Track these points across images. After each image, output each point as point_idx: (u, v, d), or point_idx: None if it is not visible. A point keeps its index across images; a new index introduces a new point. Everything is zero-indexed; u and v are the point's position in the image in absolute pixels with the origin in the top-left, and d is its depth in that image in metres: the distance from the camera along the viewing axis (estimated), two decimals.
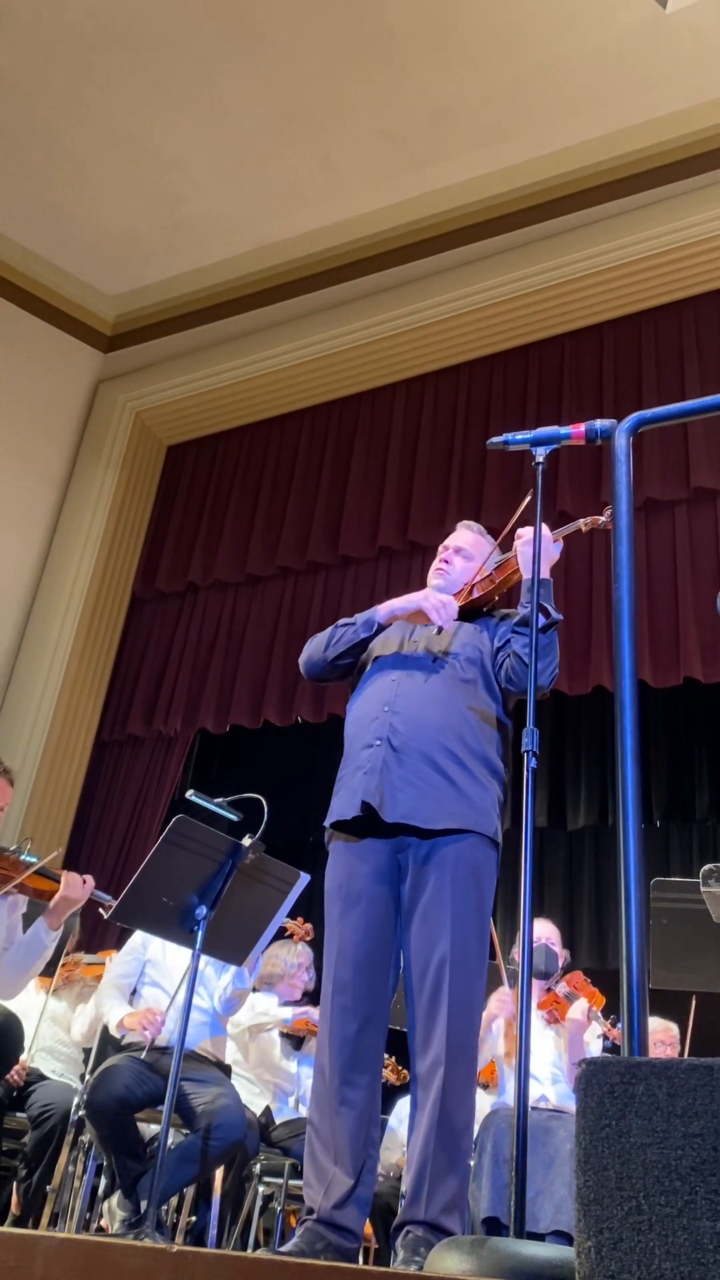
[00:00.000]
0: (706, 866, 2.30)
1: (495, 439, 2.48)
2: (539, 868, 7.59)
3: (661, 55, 5.78)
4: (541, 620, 2.52)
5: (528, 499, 2.70)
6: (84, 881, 3.33)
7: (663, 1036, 4.50)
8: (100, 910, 3.45)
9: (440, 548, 2.98)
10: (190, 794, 3.57)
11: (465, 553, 2.91)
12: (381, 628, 2.74)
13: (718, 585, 5.49)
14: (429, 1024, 2.29)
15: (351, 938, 2.40)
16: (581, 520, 2.81)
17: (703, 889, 2.29)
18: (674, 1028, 4.56)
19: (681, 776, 7.13)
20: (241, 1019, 4.32)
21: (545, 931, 4.17)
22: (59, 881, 3.29)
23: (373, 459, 6.83)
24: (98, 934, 5.56)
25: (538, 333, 6.55)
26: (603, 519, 2.73)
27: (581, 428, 2.30)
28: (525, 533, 2.65)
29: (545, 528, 2.65)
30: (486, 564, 2.85)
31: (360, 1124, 2.28)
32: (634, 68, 5.87)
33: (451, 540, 2.97)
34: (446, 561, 2.90)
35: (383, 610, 2.74)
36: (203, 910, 3.01)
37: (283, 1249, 2.28)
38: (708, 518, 5.68)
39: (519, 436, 2.43)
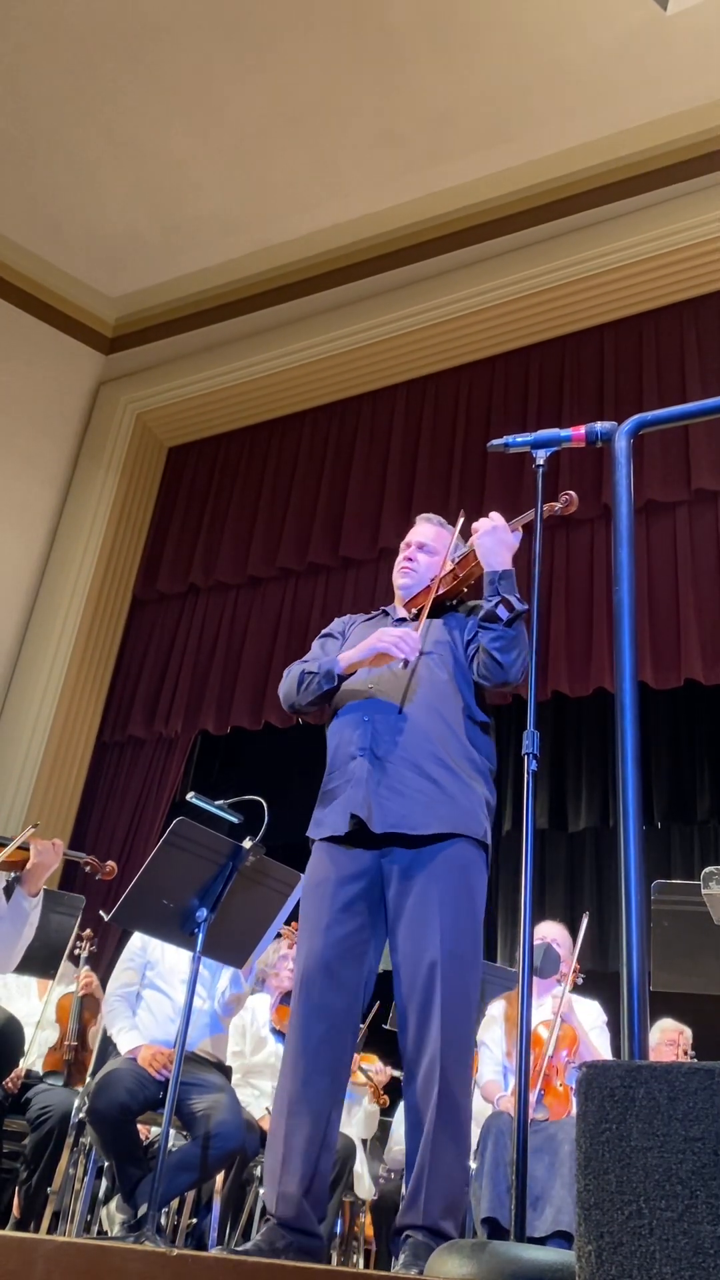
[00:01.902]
0: (708, 869, 2.30)
1: (496, 441, 2.48)
2: (540, 869, 7.59)
3: (663, 57, 5.78)
4: (505, 613, 2.52)
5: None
6: (54, 845, 3.34)
7: (673, 1036, 4.49)
8: (101, 913, 3.45)
9: (402, 545, 2.94)
10: (191, 796, 3.57)
11: (428, 548, 2.88)
12: (342, 678, 2.68)
13: (718, 587, 5.49)
14: (422, 1028, 2.27)
15: (325, 939, 2.38)
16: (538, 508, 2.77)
17: (704, 891, 2.29)
18: (687, 1031, 4.55)
19: (682, 778, 7.13)
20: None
21: (554, 933, 4.15)
22: (28, 850, 3.30)
23: (373, 461, 6.83)
24: (103, 938, 5.55)
25: (538, 334, 6.55)
26: (559, 505, 2.69)
27: (582, 430, 2.30)
28: (481, 524, 2.64)
29: (499, 516, 2.65)
30: (448, 559, 2.82)
31: (316, 1126, 2.27)
32: (635, 69, 5.87)
33: (413, 536, 2.93)
34: (410, 559, 2.86)
35: (342, 661, 2.67)
36: (203, 913, 3.01)
37: (241, 1248, 2.28)
38: (708, 519, 5.68)
39: (519, 439, 2.43)
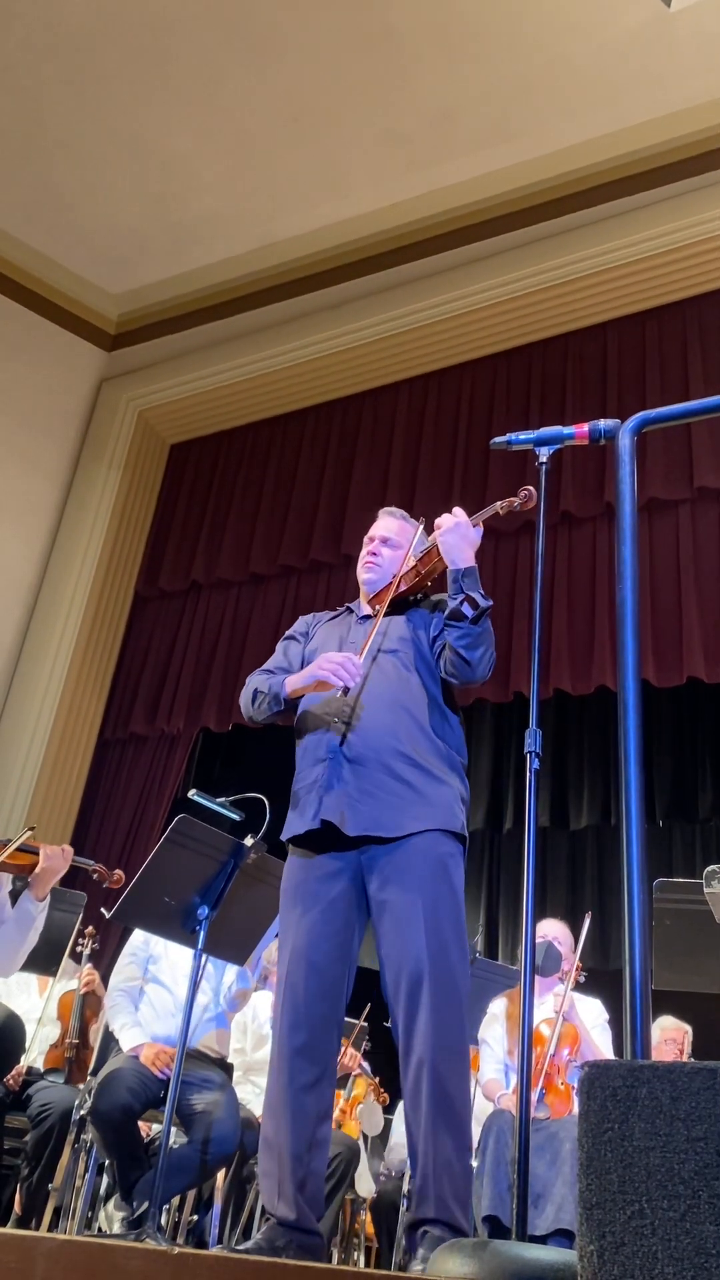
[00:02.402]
0: (710, 867, 2.29)
1: (498, 439, 2.47)
2: (542, 867, 7.58)
3: (666, 54, 5.77)
4: (470, 610, 2.50)
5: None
6: (63, 850, 3.35)
7: (674, 1035, 4.48)
8: (103, 911, 3.46)
9: (365, 539, 2.92)
10: (192, 793, 3.57)
11: (392, 542, 2.85)
12: (289, 702, 2.66)
13: None
14: (411, 1022, 2.27)
15: (307, 939, 2.38)
16: (498, 503, 2.71)
17: (706, 890, 2.29)
18: (687, 1028, 4.55)
19: (684, 776, 7.13)
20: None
21: (555, 931, 4.15)
22: (37, 854, 3.31)
23: (376, 458, 6.83)
24: (104, 935, 5.55)
25: (541, 332, 6.54)
26: (517, 501, 2.67)
27: (585, 428, 2.30)
28: (444, 520, 2.61)
29: (461, 512, 2.63)
30: (410, 554, 2.80)
31: (305, 1125, 2.27)
32: (638, 67, 5.86)
33: (375, 530, 2.91)
34: (374, 554, 2.84)
35: (287, 686, 2.65)
36: (204, 910, 3.01)
37: (241, 1247, 2.28)
38: (711, 518, 5.67)
39: (522, 436, 2.42)
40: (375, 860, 2.41)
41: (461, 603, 2.51)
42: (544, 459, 2.40)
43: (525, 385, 6.51)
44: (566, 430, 2.34)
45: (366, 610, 2.81)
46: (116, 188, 6.99)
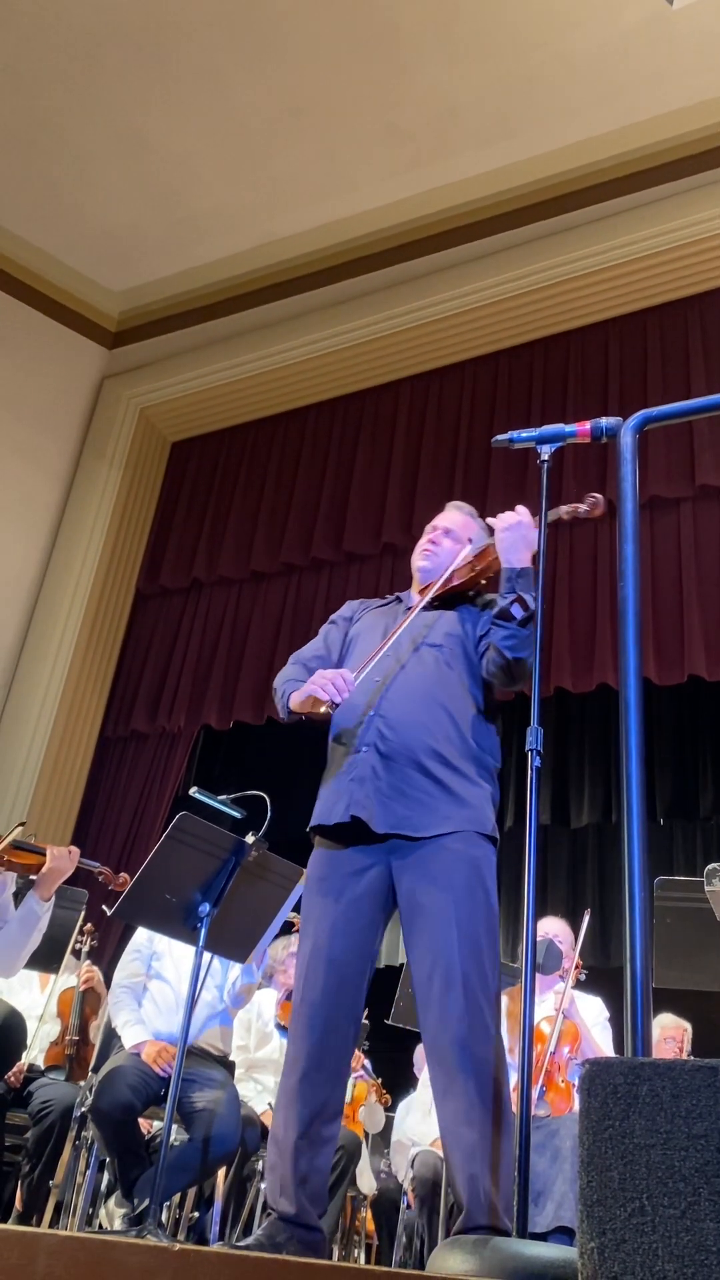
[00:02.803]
0: (710, 865, 2.30)
1: (500, 436, 2.46)
2: (542, 865, 7.59)
3: (667, 52, 5.77)
4: (520, 612, 2.46)
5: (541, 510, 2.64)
6: (70, 851, 3.35)
7: (673, 1033, 4.48)
8: (104, 908, 3.46)
9: (428, 528, 2.88)
10: (194, 791, 3.59)
11: (454, 534, 2.82)
12: (294, 713, 2.61)
13: None
14: (443, 1022, 2.24)
15: (330, 934, 2.36)
16: (563, 508, 2.67)
17: (707, 888, 2.29)
18: (687, 1026, 4.55)
19: (686, 775, 7.13)
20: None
21: (555, 929, 4.15)
22: (44, 854, 3.31)
23: (377, 456, 6.83)
24: (104, 932, 5.56)
25: (543, 330, 6.54)
26: (584, 507, 2.62)
27: (587, 425, 2.29)
28: (504, 518, 2.57)
29: (525, 511, 2.58)
30: (468, 550, 2.75)
31: (314, 1122, 2.26)
32: (640, 64, 5.85)
33: (440, 520, 2.87)
34: (434, 543, 2.81)
35: (290, 705, 2.60)
36: (206, 907, 3.01)
37: (242, 1243, 2.27)
38: (713, 515, 5.67)
39: (524, 434, 2.42)
40: (406, 859, 2.38)
41: (512, 603, 2.46)
42: (545, 457, 2.39)
43: (527, 383, 6.50)
44: (568, 428, 2.34)
45: (416, 598, 2.76)
46: (118, 185, 6.99)
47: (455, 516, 2.88)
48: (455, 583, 2.68)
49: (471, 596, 2.73)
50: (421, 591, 2.75)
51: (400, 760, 2.43)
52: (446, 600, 2.68)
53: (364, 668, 2.55)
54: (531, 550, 2.53)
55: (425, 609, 2.66)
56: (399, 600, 2.83)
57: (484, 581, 2.70)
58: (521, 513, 2.58)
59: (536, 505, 2.44)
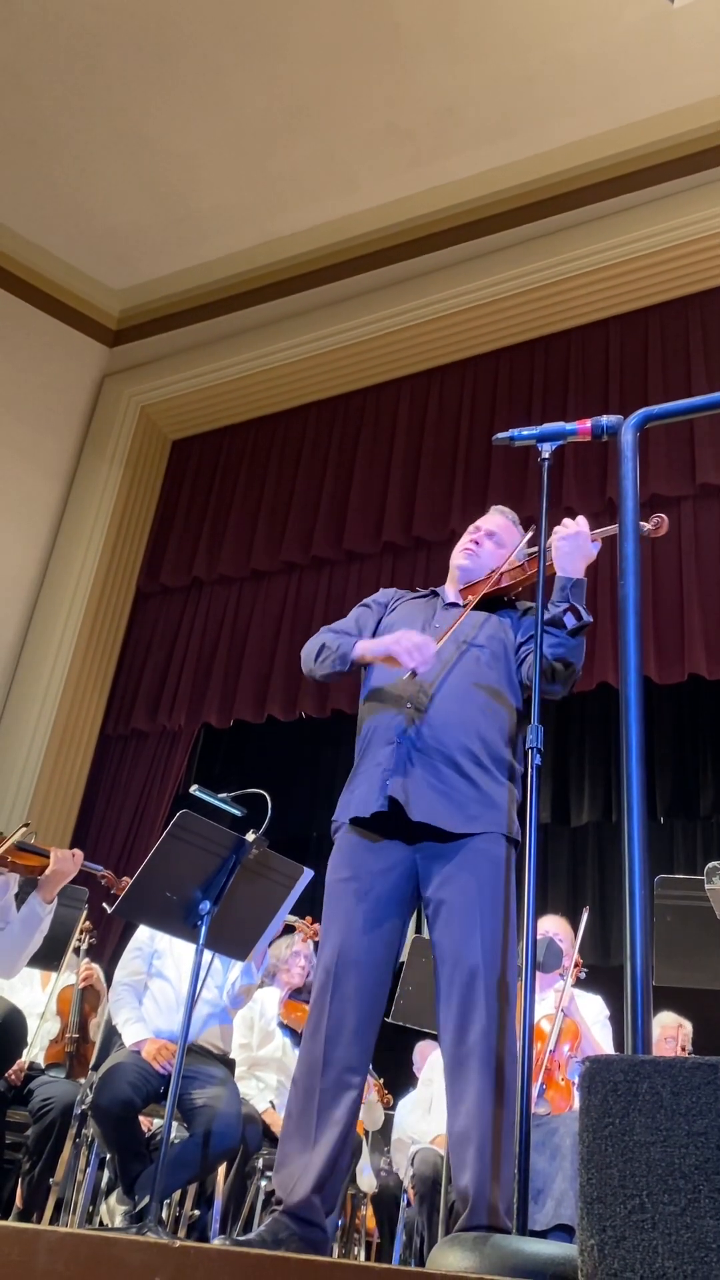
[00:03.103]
0: (711, 864, 2.29)
1: (501, 434, 2.47)
2: (543, 864, 7.59)
3: (668, 50, 5.76)
4: (573, 621, 2.46)
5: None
6: (73, 855, 3.35)
7: (673, 1032, 4.48)
8: (104, 906, 3.46)
9: (471, 528, 2.87)
10: (194, 789, 3.59)
11: (497, 538, 2.81)
12: (354, 664, 2.62)
13: None
14: (464, 1024, 2.24)
15: (359, 934, 2.36)
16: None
17: (707, 886, 2.29)
18: (687, 1025, 4.54)
19: (686, 773, 7.13)
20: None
21: (555, 927, 4.15)
22: (48, 857, 3.31)
23: (378, 454, 6.83)
24: (104, 930, 5.57)
25: (544, 328, 6.54)
26: (648, 526, 2.58)
27: (588, 423, 2.30)
28: (565, 526, 2.56)
29: (585, 522, 2.59)
30: (517, 553, 2.74)
31: (345, 1123, 2.26)
32: (641, 63, 5.85)
33: (484, 522, 2.87)
34: (476, 543, 2.80)
35: (357, 650, 2.60)
36: (206, 905, 3.01)
37: (243, 1239, 2.27)
38: (713, 514, 5.67)
39: (525, 432, 2.42)
40: (432, 861, 2.38)
41: (565, 612, 2.46)
42: (546, 455, 2.39)
43: (527, 381, 6.50)
44: (569, 426, 2.34)
45: (454, 598, 2.75)
46: (119, 183, 6.99)
47: (499, 520, 2.88)
48: (503, 584, 2.68)
49: (511, 601, 2.73)
50: (463, 591, 2.74)
51: (435, 756, 2.43)
52: (489, 602, 2.68)
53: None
54: (588, 561, 2.56)
55: (465, 607, 2.66)
56: (435, 595, 2.81)
57: (521, 590, 2.71)
58: (581, 523, 2.58)
59: (537, 505, 2.44)
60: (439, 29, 5.84)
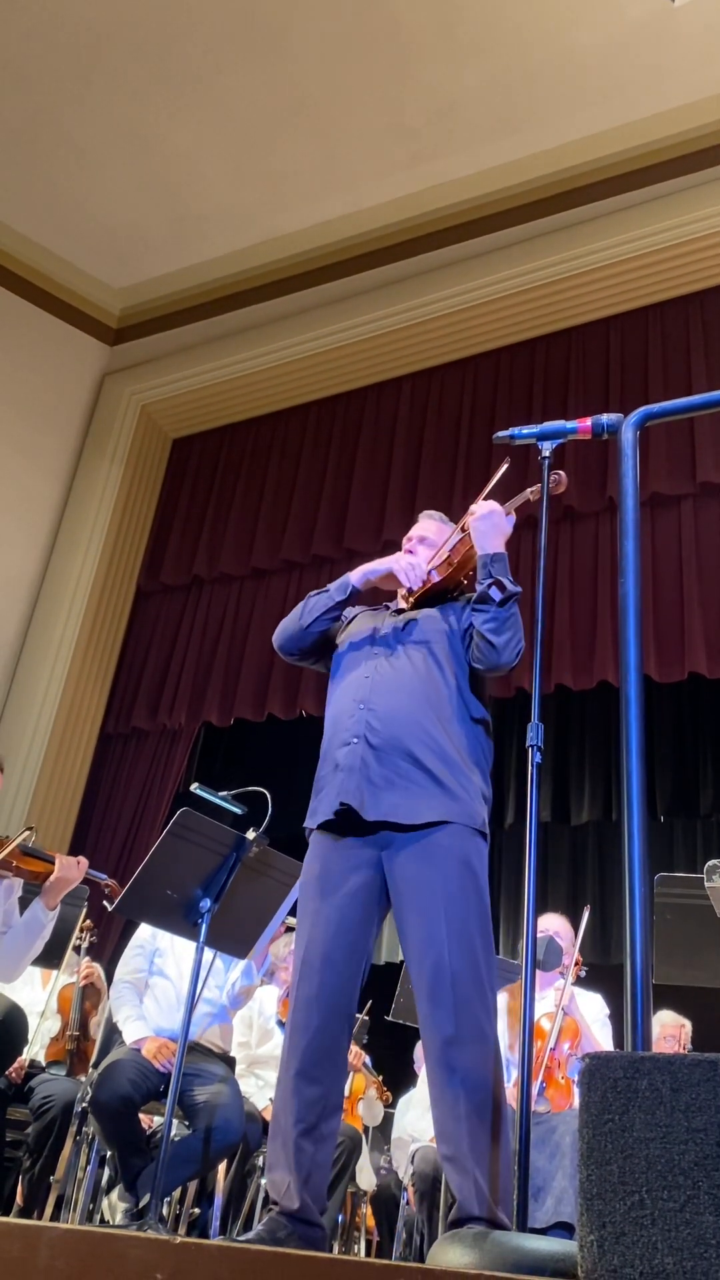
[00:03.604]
0: (711, 862, 2.30)
1: (501, 433, 2.48)
2: (543, 862, 7.60)
3: (670, 48, 5.76)
4: (498, 594, 2.52)
5: (497, 478, 2.71)
6: (78, 862, 3.36)
7: (673, 1031, 4.48)
8: (105, 904, 3.47)
9: (404, 540, 2.97)
10: (195, 787, 3.59)
11: (429, 541, 2.90)
12: (356, 591, 2.75)
13: None
14: (436, 1014, 2.25)
15: (324, 931, 2.37)
16: (529, 490, 2.74)
17: (707, 884, 2.29)
18: (687, 1024, 4.55)
19: (686, 772, 7.13)
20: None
21: (555, 925, 4.15)
22: (53, 863, 3.32)
23: (378, 453, 6.83)
24: (105, 927, 5.57)
25: (544, 327, 6.54)
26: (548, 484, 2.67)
27: (588, 422, 2.30)
28: (477, 508, 2.64)
29: (494, 503, 2.67)
30: (443, 548, 2.81)
31: (313, 1117, 2.27)
32: (642, 61, 5.85)
33: (415, 531, 2.97)
34: (410, 552, 2.88)
35: (356, 575, 2.75)
36: (207, 903, 3.01)
37: (243, 1238, 2.28)
38: (714, 513, 5.67)
39: (525, 430, 2.43)
40: (396, 855, 2.39)
41: (489, 586, 2.53)
42: (547, 453, 2.41)
43: (528, 380, 6.50)
44: (569, 425, 2.35)
45: (402, 605, 2.83)
46: (119, 182, 6.99)
47: (429, 525, 2.98)
48: (436, 579, 2.74)
49: (455, 595, 2.78)
50: (405, 596, 2.81)
51: (391, 751, 2.45)
52: (431, 600, 2.74)
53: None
54: (505, 536, 2.65)
55: (410, 609, 2.73)
56: (387, 608, 2.88)
57: (464, 579, 2.78)
58: (491, 504, 2.67)
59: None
60: (440, 27, 5.84)
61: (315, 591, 2.82)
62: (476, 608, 2.57)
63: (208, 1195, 4.00)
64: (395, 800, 2.40)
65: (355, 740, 2.49)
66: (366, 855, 2.42)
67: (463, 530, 2.72)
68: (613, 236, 6.18)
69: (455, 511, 3.06)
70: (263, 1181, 4.05)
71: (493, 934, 2.40)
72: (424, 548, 2.88)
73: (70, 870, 3.33)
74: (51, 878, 3.30)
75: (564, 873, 7.79)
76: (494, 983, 2.34)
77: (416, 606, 2.73)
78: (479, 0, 5.69)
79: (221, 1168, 3.61)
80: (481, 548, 2.60)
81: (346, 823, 2.44)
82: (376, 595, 2.96)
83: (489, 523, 2.62)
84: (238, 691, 6.75)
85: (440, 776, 2.42)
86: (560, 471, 2.61)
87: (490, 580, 2.54)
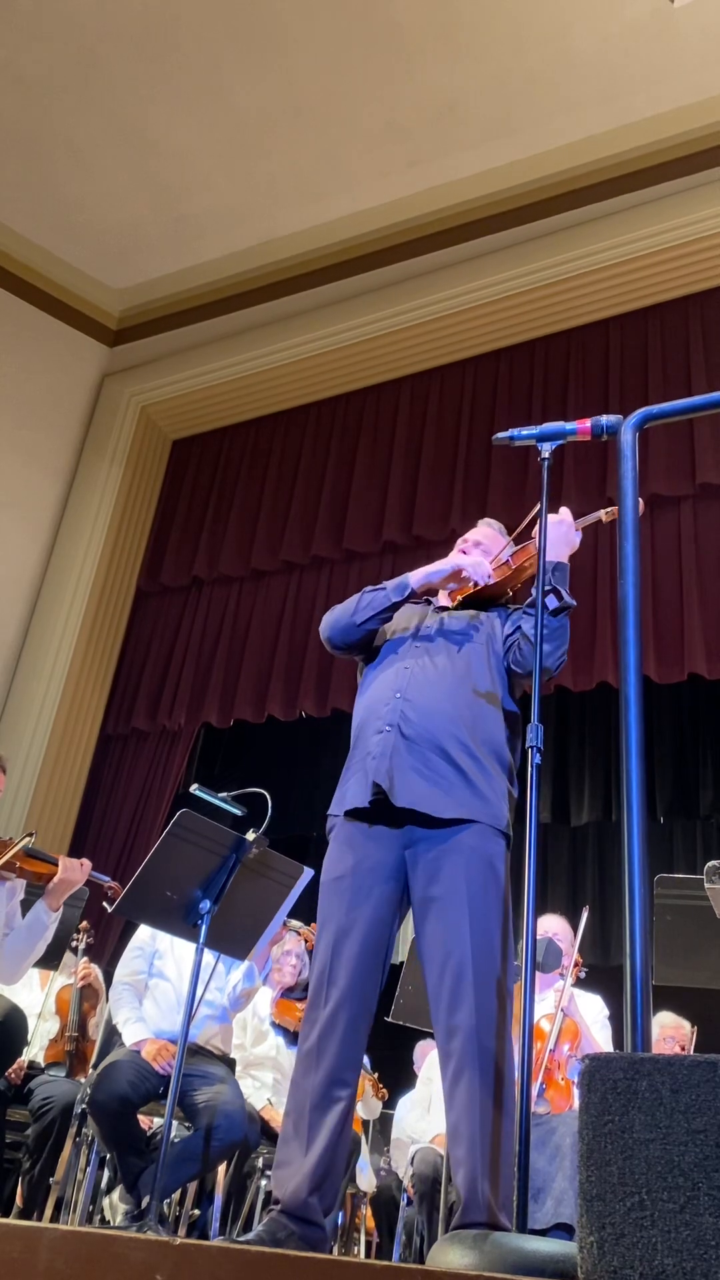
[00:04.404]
0: (710, 863, 2.30)
1: (501, 434, 2.48)
2: (542, 863, 7.59)
3: (668, 50, 5.77)
4: (554, 602, 2.52)
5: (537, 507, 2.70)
6: (81, 864, 3.36)
7: (673, 1032, 4.48)
8: (104, 904, 3.47)
9: (459, 540, 2.97)
10: (194, 788, 3.59)
11: (484, 547, 2.91)
12: (414, 593, 2.74)
13: None
14: (453, 1016, 2.24)
15: (350, 932, 2.37)
16: (602, 511, 2.77)
17: (706, 885, 2.29)
18: (686, 1025, 4.54)
19: (685, 773, 7.13)
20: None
21: (555, 926, 4.15)
22: (56, 864, 3.32)
23: (378, 454, 6.83)
24: (103, 928, 5.57)
25: (544, 328, 6.54)
26: (604, 515, 2.73)
27: (587, 423, 2.30)
28: (555, 515, 2.65)
29: (568, 512, 2.67)
30: (503, 553, 2.83)
31: (340, 1119, 2.27)
32: (641, 62, 5.85)
33: (471, 534, 2.98)
34: (464, 552, 2.89)
35: (415, 576, 2.73)
36: (206, 904, 3.01)
37: (243, 1238, 2.27)
38: (713, 514, 5.67)
39: (525, 432, 2.43)
40: (420, 856, 2.39)
41: (547, 594, 2.52)
42: (546, 455, 2.40)
43: (528, 381, 6.51)
44: (569, 426, 2.34)
45: (445, 601, 2.84)
46: (119, 183, 6.99)
47: (487, 531, 2.99)
48: (490, 582, 2.75)
49: (503, 602, 2.80)
50: (453, 594, 2.81)
51: (422, 744, 2.46)
52: (476, 603, 2.75)
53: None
54: (571, 549, 2.67)
55: (455, 608, 2.75)
56: (428, 604, 2.88)
57: (514, 589, 2.80)
58: (564, 513, 2.67)
59: (536, 502, 2.46)
60: (439, 28, 5.84)
61: (370, 588, 2.81)
62: (527, 612, 2.60)
63: (208, 1196, 4.00)
64: (423, 791, 2.40)
65: (389, 729, 2.50)
66: (389, 854, 2.42)
67: (528, 539, 2.74)
68: (612, 238, 6.18)
69: (454, 513, 3.08)
70: (263, 1182, 4.05)
71: (511, 936, 2.39)
72: (478, 552, 2.90)
73: (74, 872, 3.34)
74: (55, 880, 3.31)
75: (564, 873, 7.79)
76: (510, 986, 2.34)
77: (461, 607, 2.75)
78: (477, 2, 5.70)
79: (221, 1168, 3.61)
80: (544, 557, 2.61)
81: (373, 812, 2.44)
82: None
83: (558, 532, 2.63)
84: (237, 692, 6.75)
85: (470, 774, 2.43)
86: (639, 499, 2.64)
87: (549, 589, 2.53)
